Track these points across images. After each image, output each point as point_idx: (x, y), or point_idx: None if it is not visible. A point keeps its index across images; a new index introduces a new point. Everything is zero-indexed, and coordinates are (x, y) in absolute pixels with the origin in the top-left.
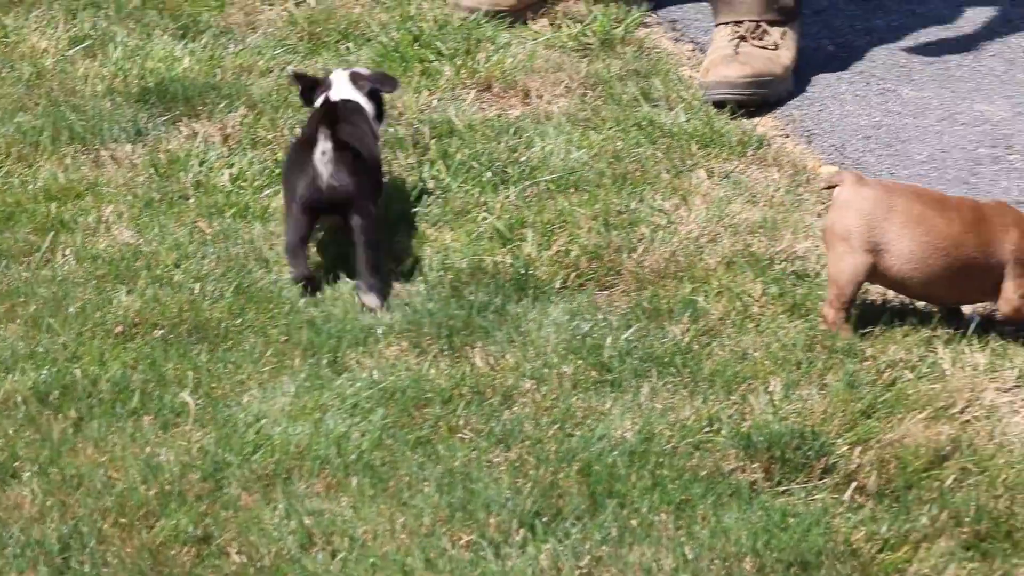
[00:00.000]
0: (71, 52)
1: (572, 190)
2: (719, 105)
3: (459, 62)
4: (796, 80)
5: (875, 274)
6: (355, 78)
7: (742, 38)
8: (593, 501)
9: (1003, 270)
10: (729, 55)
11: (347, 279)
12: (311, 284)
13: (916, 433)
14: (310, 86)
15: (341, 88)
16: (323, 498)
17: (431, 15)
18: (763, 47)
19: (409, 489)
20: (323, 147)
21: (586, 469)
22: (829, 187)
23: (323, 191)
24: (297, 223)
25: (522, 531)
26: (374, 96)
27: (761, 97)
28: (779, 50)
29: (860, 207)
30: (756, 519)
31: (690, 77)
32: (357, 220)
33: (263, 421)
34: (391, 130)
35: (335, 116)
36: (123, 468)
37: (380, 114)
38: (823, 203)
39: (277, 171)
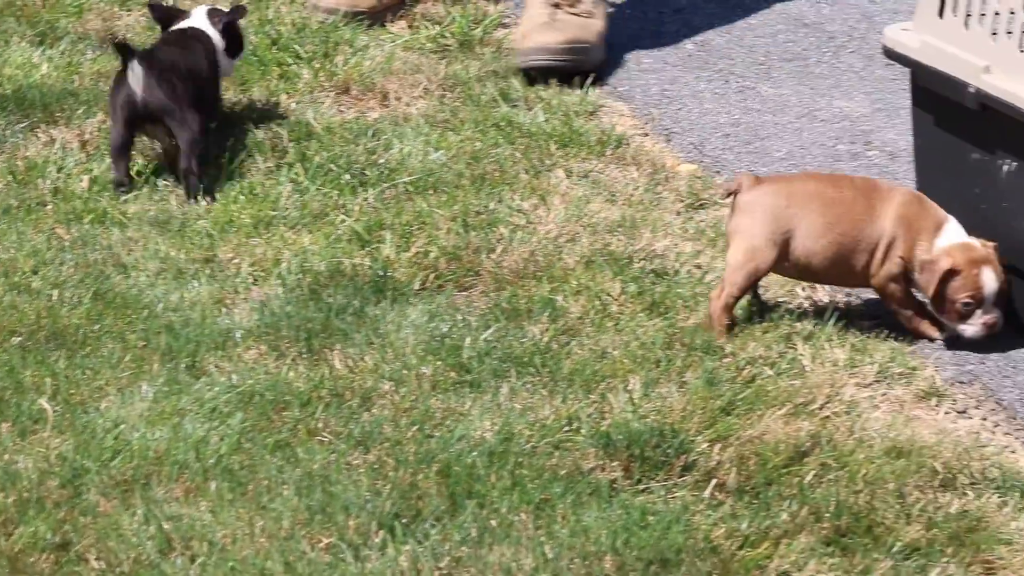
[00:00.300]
0: None
1: (431, 191)
2: (535, 72)
3: (317, 65)
4: (656, 78)
5: (782, 263)
6: (212, 14)
7: (556, 5)
8: (453, 502)
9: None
10: (546, 22)
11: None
12: (123, 188)
13: (776, 429)
14: (166, 17)
15: (193, 20)
16: (182, 503)
17: (289, 18)
18: (577, 14)
19: (268, 493)
20: (133, 66)
21: (445, 470)
22: (729, 194)
23: (136, 104)
24: (117, 133)
25: (382, 533)
26: (228, 30)
27: (577, 64)
28: (593, 18)
29: (763, 204)
30: (616, 518)
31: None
32: (174, 130)
33: (121, 427)
34: (251, 134)
35: (158, 41)
36: None
37: (235, 49)
38: (683, 202)
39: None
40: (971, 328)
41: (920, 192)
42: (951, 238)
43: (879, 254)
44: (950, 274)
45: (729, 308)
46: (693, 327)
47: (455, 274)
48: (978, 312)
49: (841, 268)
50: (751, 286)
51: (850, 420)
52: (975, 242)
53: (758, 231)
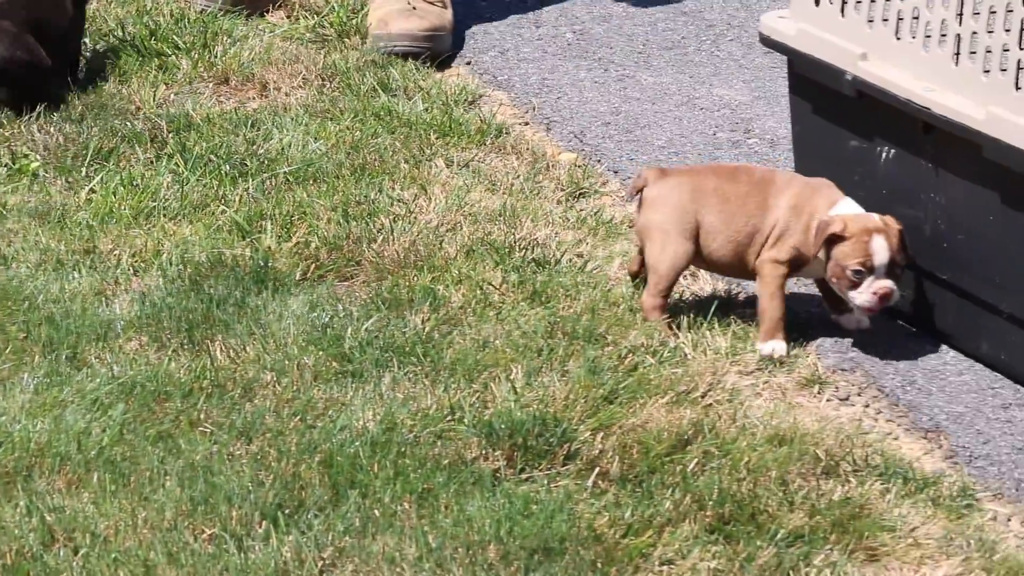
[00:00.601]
0: None
1: (311, 181)
2: (397, 56)
3: (196, 56)
4: (535, 67)
5: (696, 257)
6: None
7: None
8: (335, 492)
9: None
10: (406, 9)
11: None
12: None
13: (658, 418)
14: None
15: None
16: (64, 495)
17: (167, 8)
18: (433, 4)
19: (150, 484)
20: None
21: (328, 460)
22: (638, 190)
23: None
24: None
25: (265, 523)
26: None
27: (435, 50)
28: (447, 8)
29: (670, 197)
30: (499, 507)
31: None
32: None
33: (2, 418)
34: (129, 125)
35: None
36: None
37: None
38: (563, 191)
39: (18, 168)
40: (861, 297)
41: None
42: (846, 209)
43: (771, 240)
44: (837, 238)
45: (662, 306)
46: (575, 316)
47: (336, 264)
48: (869, 280)
49: (742, 263)
50: (676, 279)
51: (732, 408)
52: (875, 216)
53: (670, 226)
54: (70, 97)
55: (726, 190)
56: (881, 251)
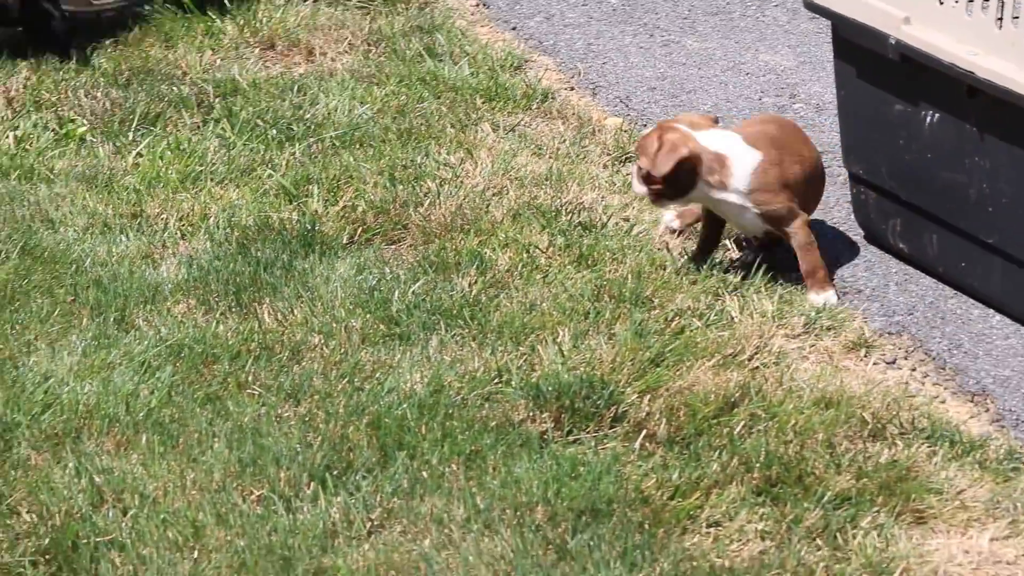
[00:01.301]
0: None
1: (357, 146)
2: None
3: (242, 21)
4: (581, 33)
5: None
6: None
7: None
8: (383, 454)
9: None
10: None
11: None
12: None
13: (705, 381)
14: None
15: None
16: (113, 456)
17: None
18: None
19: (199, 445)
20: None
21: (376, 422)
22: None
23: None
24: None
25: (313, 485)
26: None
27: None
28: None
29: None
30: (546, 468)
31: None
32: None
33: (51, 381)
34: (176, 90)
35: None
36: None
37: None
38: (609, 155)
39: (65, 133)
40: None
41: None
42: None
43: None
44: None
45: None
46: (621, 279)
47: (383, 228)
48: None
49: None
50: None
51: (779, 371)
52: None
53: None
54: (117, 61)
55: None
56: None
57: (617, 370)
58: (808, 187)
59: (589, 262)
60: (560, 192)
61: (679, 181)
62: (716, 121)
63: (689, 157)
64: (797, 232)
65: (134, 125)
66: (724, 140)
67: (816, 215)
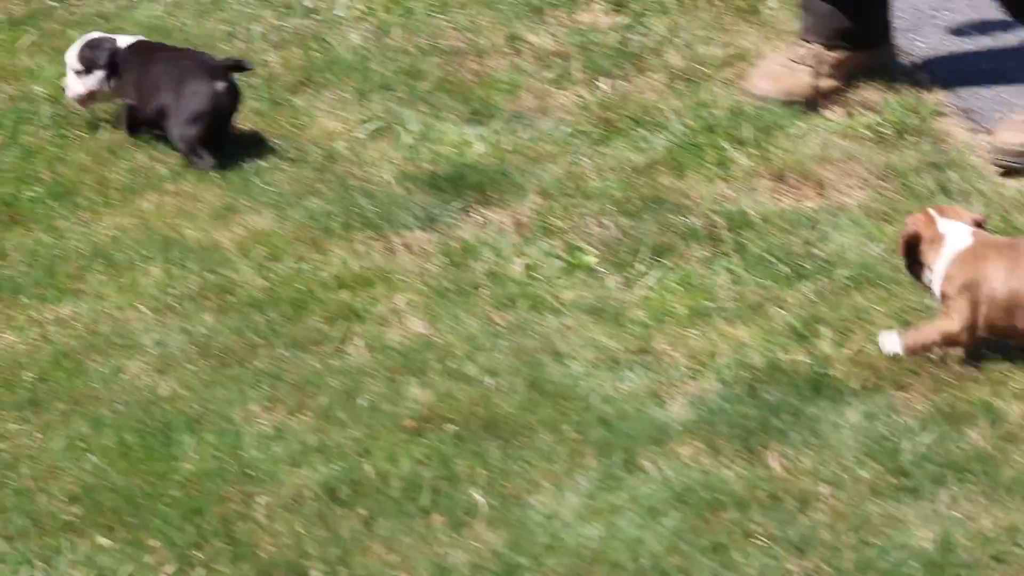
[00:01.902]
0: (361, 135)
1: (869, 286)
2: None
3: (754, 151)
4: None
5: None
6: None
7: None
8: None
9: None
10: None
11: None
12: None
13: None
14: None
15: None
16: None
17: (725, 103)
18: None
19: None
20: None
21: None
22: None
23: None
24: None
25: None
26: None
27: None
28: None
29: None
30: None
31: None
32: None
33: (555, 522)
34: (684, 220)
35: None
36: (413, 569)
37: None
38: None
39: (574, 262)
40: None
41: None
42: None
43: None
44: None
45: None
46: None
47: (893, 374)
48: None
49: None
50: None
51: None
52: None
53: None
54: (626, 188)
55: None
56: None
57: None
58: None
59: None
60: None
61: None
62: None
63: None
64: None
65: (644, 256)
66: None
67: None
